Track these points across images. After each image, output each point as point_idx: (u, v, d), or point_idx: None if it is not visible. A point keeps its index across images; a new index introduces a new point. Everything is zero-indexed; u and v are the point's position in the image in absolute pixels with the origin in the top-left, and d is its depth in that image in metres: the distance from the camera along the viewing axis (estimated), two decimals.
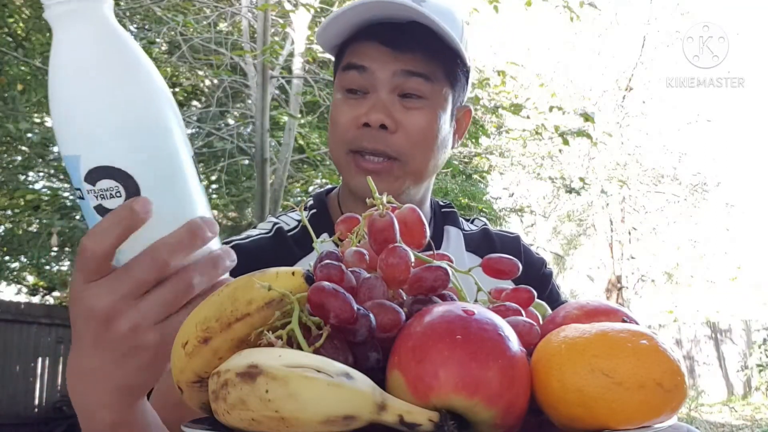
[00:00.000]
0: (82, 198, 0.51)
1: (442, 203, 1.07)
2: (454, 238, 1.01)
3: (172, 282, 0.51)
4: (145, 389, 0.56)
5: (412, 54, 0.87)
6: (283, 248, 0.91)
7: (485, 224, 1.07)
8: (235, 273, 0.84)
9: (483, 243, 1.02)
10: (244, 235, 0.94)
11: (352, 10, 0.85)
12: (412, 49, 0.87)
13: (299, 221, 0.96)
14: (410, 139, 0.88)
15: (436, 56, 0.88)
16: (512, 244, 1.04)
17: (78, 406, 0.55)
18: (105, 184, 0.49)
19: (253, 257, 0.86)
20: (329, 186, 1.06)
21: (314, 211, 0.97)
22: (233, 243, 0.90)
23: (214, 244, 0.55)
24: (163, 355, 0.52)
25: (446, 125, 0.92)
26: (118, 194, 0.49)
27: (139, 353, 0.51)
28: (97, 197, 0.50)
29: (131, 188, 0.49)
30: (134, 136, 0.49)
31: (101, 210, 0.50)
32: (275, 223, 0.95)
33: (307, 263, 0.89)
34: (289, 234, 0.93)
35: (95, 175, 0.49)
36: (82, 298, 0.51)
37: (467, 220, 1.08)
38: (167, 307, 0.51)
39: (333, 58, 0.98)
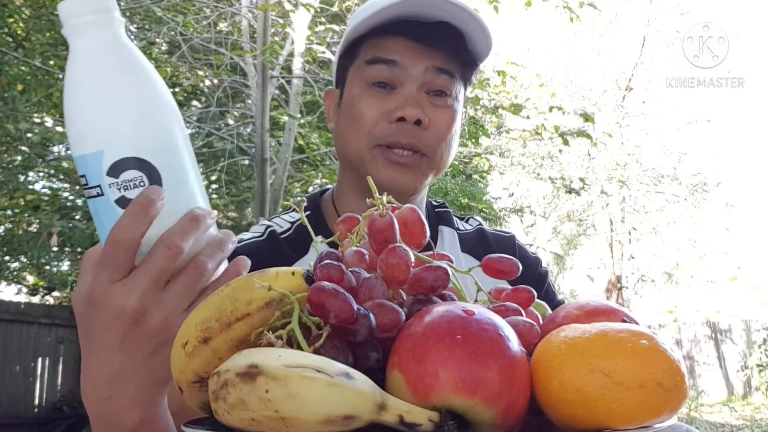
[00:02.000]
0: (99, 195, 0.54)
1: (435, 203, 1.07)
2: (448, 239, 1.01)
3: (189, 268, 0.53)
4: (169, 383, 0.56)
5: (441, 51, 0.88)
6: (277, 251, 0.91)
7: (480, 224, 1.07)
8: None
9: (478, 243, 1.02)
10: (236, 238, 0.94)
11: (397, 5, 0.85)
12: (442, 46, 0.88)
13: (292, 223, 0.95)
14: (438, 135, 0.89)
15: (461, 56, 0.91)
16: (508, 244, 1.04)
17: (99, 412, 0.55)
18: (129, 175, 0.53)
19: None
20: (324, 188, 1.06)
21: (308, 213, 0.97)
22: None
23: (214, 230, 0.60)
24: None
25: (460, 122, 0.95)
26: (141, 184, 0.53)
27: (167, 346, 0.52)
28: (120, 189, 0.53)
29: (154, 177, 0.54)
30: (152, 129, 0.54)
31: (123, 202, 0.53)
32: (268, 226, 0.95)
33: (301, 266, 0.89)
34: (282, 236, 0.93)
35: (119, 167, 0.53)
36: (109, 300, 0.52)
37: (461, 219, 1.08)
38: (190, 293, 0.53)
39: (332, 57, 0.98)
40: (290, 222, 0.96)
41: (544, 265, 1.05)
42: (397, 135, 0.87)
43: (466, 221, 1.08)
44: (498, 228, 1.10)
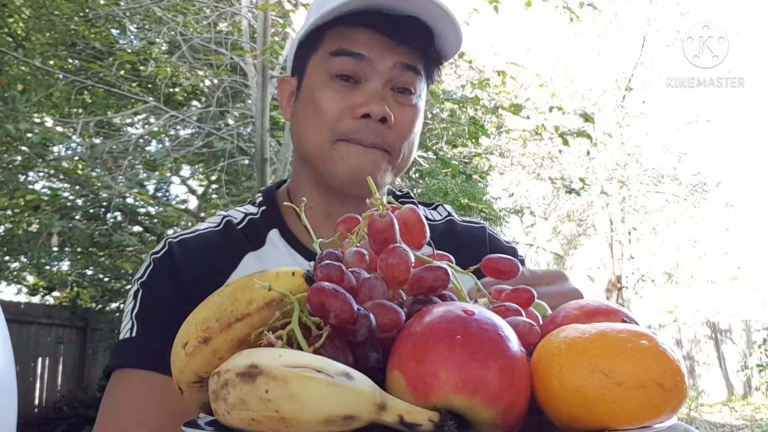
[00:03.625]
0: None
1: (399, 192, 1.04)
2: None
3: None
4: None
5: (409, 47, 0.85)
6: (232, 241, 0.89)
7: (449, 214, 1.03)
8: (184, 266, 0.84)
9: (446, 236, 0.98)
10: (192, 229, 0.92)
11: None
12: (410, 42, 0.85)
13: (245, 214, 0.94)
14: (402, 134, 0.87)
15: (428, 53, 0.88)
16: (478, 235, 1.00)
17: None
18: None
19: (199, 250, 0.86)
20: (278, 181, 1.03)
21: (264, 208, 0.94)
22: (180, 238, 0.89)
23: None
24: None
25: (422, 120, 0.92)
26: None
27: None
28: None
29: None
30: None
31: None
32: (224, 216, 0.93)
33: (259, 257, 0.88)
34: (239, 227, 0.91)
35: None
36: None
37: (429, 207, 1.04)
38: None
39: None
40: (243, 213, 0.94)
41: (521, 255, 1.01)
42: (360, 132, 0.84)
43: (435, 209, 1.04)
44: (468, 218, 1.06)
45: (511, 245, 1.02)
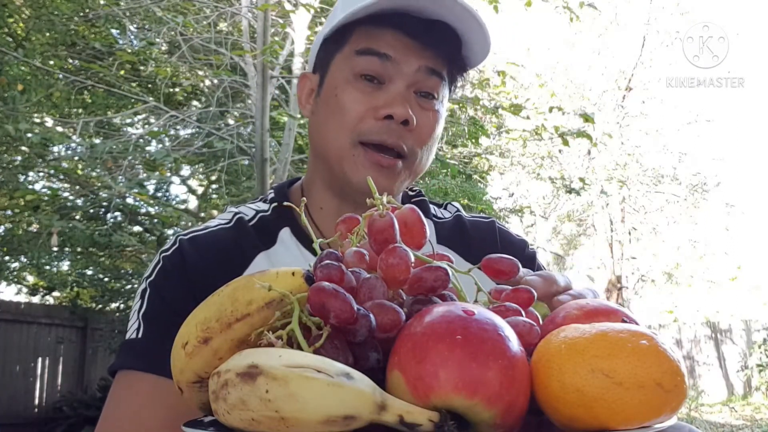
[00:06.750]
0: None
1: (411, 192, 1.04)
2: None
3: None
4: None
5: (435, 51, 0.85)
6: (244, 239, 0.88)
7: (458, 210, 1.03)
8: (195, 265, 0.83)
9: (455, 232, 0.98)
10: (202, 226, 0.90)
11: None
12: (438, 47, 0.85)
13: (256, 212, 0.92)
14: (422, 138, 0.87)
15: (454, 59, 0.88)
16: (487, 230, 1.00)
17: None
18: None
19: (210, 248, 0.85)
20: (292, 178, 1.02)
21: (275, 204, 0.93)
22: (190, 235, 0.87)
23: None
24: None
25: (443, 125, 0.92)
26: None
27: None
28: None
29: None
30: None
31: None
32: (236, 213, 0.92)
33: (269, 257, 0.87)
34: (250, 224, 0.90)
35: None
36: None
37: (440, 207, 1.05)
38: None
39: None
40: (254, 210, 0.93)
41: (531, 246, 1.01)
42: (382, 133, 0.83)
43: (445, 208, 1.05)
44: (477, 214, 1.06)
45: (521, 238, 1.02)
